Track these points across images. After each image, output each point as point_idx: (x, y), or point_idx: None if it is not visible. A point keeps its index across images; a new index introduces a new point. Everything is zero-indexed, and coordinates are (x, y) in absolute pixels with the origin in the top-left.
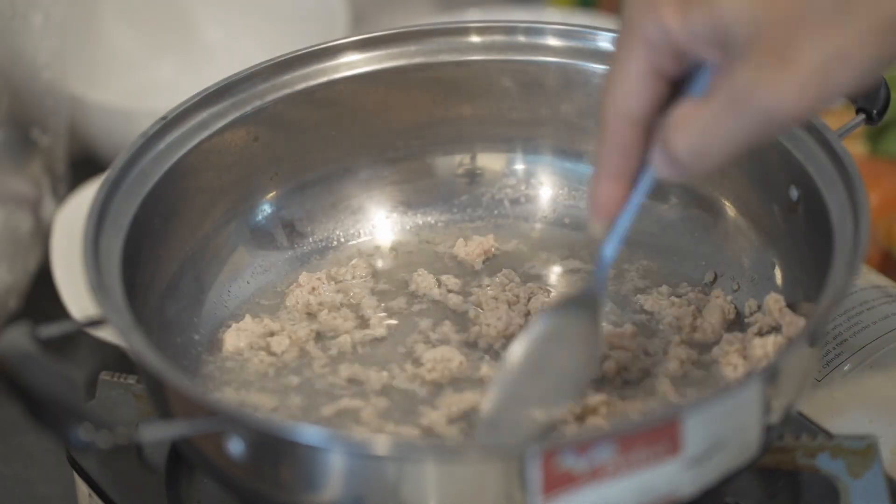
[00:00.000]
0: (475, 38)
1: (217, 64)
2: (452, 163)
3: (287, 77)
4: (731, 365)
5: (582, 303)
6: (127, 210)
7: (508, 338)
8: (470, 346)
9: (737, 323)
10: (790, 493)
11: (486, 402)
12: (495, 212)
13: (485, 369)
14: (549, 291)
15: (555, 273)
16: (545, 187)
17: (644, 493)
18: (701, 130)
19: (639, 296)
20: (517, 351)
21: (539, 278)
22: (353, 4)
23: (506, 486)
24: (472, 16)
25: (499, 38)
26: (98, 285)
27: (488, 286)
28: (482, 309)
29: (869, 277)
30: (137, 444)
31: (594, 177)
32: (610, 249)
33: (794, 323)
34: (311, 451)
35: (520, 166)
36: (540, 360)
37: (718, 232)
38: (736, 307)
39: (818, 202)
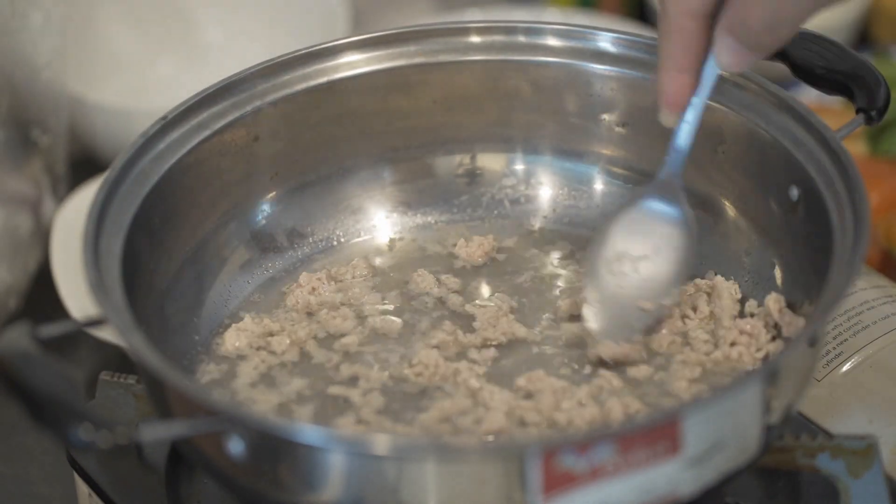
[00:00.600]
0: (475, 38)
1: (217, 64)
2: (452, 163)
3: (287, 77)
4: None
5: (662, 189)
6: (127, 210)
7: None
8: (468, 346)
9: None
10: (790, 494)
11: (588, 292)
12: (495, 212)
13: (479, 370)
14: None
15: (554, 273)
16: (545, 187)
17: (644, 493)
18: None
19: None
20: (608, 242)
21: (539, 278)
22: (353, 4)
23: (506, 485)
24: (472, 16)
25: (499, 38)
26: (98, 285)
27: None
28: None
29: (869, 277)
30: (137, 444)
31: (660, 71)
32: (683, 138)
33: (794, 323)
34: (311, 450)
35: (520, 166)
36: (632, 248)
37: (718, 232)
38: (742, 293)
39: (818, 202)
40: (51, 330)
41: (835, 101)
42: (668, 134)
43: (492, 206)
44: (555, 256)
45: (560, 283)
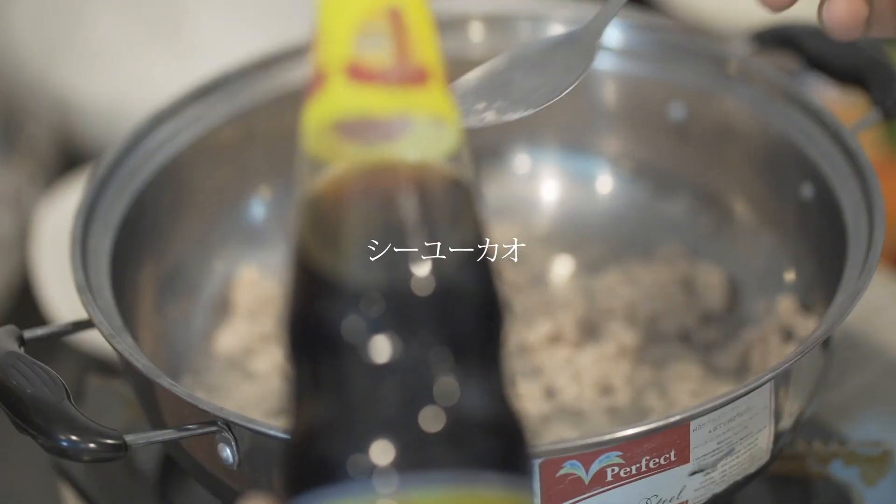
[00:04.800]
0: (476, 33)
1: (211, 58)
2: None
3: (283, 73)
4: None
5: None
6: (116, 208)
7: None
8: None
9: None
10: (802, 502)
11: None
12: (499, 208)
13: None
14: None
15: (559, 269)
16: (549, 184)
17: (650, 502)
18: None
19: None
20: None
21: (542, 276)
22: None
23: None
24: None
25: (501, 32)
26: (86, 286)
27: None
28: None
29: (884, 278)
30: (127, 449)
31: None
32: None
33: (807, 325)
34: None
35: (523, 163)
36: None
37: (729, 232)
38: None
39: (832, 200)
40: (37, 332)
41: (849, 98)
42: (673, 128)
43: (495, 203)
44: (559, 253)
45: (563, 281)
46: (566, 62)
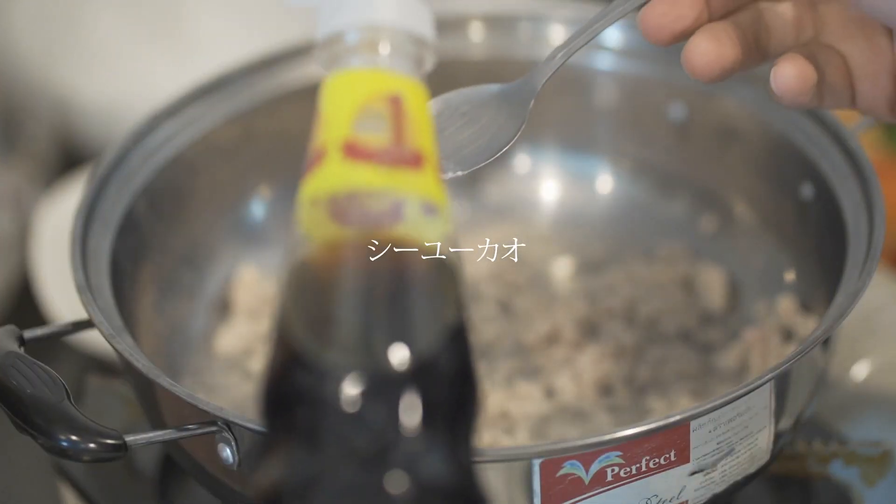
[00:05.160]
0: (476, 33)
1: (211, 59)
2: None
3: (283, 72)
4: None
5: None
6: (116, 208)
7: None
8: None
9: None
10: (801, 502)
11: None
12: (499, 208)
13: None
14: None
15: (559, 269)
16: (549, 184)
17: (650, 502)
18: None
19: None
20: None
21: (542, 276)
22: None
23: (507, 494)
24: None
25: (501, 33)
26: (86, 286)
27: None
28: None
29: (884, 278)
30: (127, 449)
31: None
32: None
33: (807, 325)
34: None
35: (523, 163)
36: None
37: (729, 232)
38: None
39: (832, 200)
40: (37, 332)
41: None
42: (673, 128)
43: (495, 204)
44: (558, 254)
45: (563, 281)
46: (499, 119)
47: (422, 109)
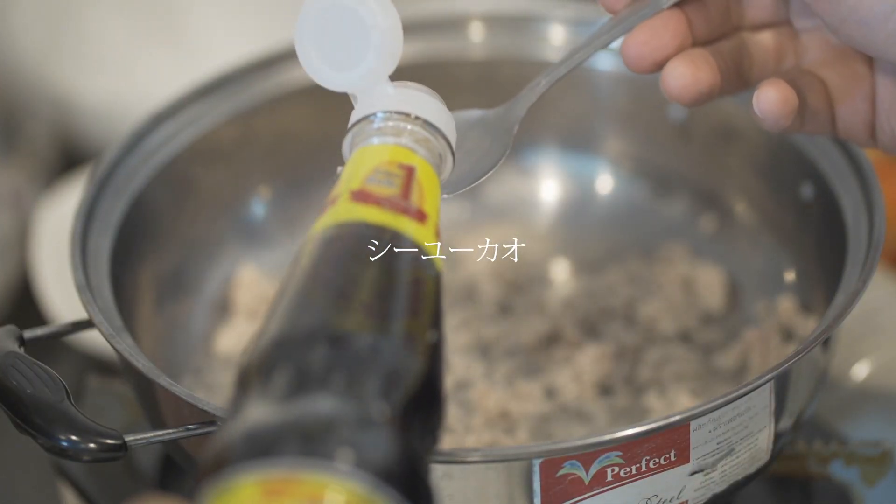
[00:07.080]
0: (476, 33)
1: (211, 58)
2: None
3: (283, 72)
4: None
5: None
6: (116, 208)
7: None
8: (470, 346)
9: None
10: (801, 502)
11: None
12: (499, 208)
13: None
14: None
15: (559, 269)
16: (549, 184)
17: (650, 502)
18: None
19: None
20: None
21: (542, 276)
22: None
23: (508, 494)
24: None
25: (501, 32)
26: (86, 286)
27: None
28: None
29: (884, 277)
30: (127, 449)
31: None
32: (549, 78)
33: (807, 325)
34: None
35: (522, 163)
36: None
37: (729, 232)
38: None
39: (832, 201)
40: (37, 332)
41: None
42: (673, 128)
43: (494, 205)
44: (558, 254)
45: (563, 281)
46: (483, 144)
47: (433, 187)
